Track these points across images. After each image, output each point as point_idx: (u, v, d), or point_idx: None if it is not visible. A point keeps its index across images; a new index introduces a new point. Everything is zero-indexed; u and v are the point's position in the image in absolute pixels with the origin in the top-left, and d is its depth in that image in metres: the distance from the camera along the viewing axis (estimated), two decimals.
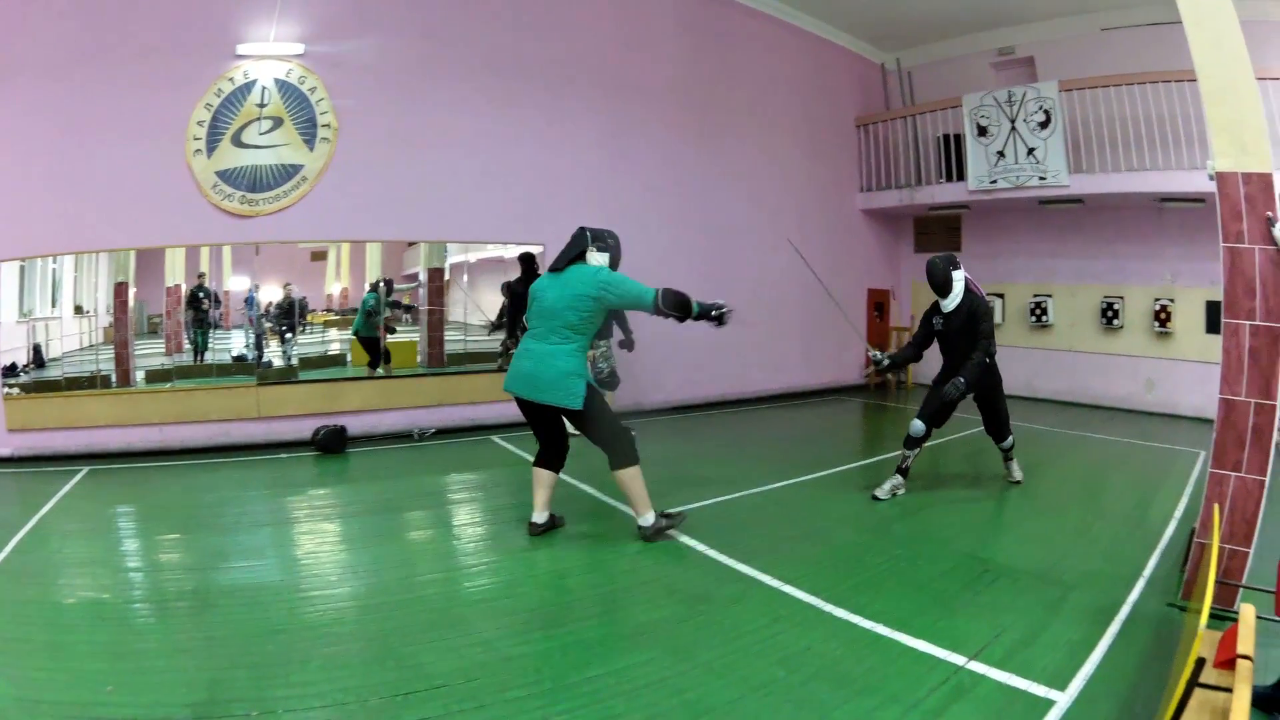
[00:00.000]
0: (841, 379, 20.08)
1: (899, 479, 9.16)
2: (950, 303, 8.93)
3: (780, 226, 17.58)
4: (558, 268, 7.27)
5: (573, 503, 8.48)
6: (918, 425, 8.97)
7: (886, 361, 9.29)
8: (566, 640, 5.26)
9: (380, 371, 12.79)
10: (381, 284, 12.73)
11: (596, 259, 7.25)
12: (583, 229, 7.37)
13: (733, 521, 8.07)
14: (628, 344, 12.57)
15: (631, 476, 7.23)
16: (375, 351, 12.91)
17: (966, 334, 8.81)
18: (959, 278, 8.89)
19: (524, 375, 7.09)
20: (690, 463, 10.51)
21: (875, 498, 8.97)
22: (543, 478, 7.45)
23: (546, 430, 7.45)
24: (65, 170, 10.25)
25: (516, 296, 12.87)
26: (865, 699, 4.50)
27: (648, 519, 7.32)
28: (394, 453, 11.55)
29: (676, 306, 6.94)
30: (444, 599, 6.00)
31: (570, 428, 7.37)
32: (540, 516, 7.43)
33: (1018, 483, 9.77)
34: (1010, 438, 9.58)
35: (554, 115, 13.99)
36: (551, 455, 7.49)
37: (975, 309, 8.82)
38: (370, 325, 12.77)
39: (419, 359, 13.23)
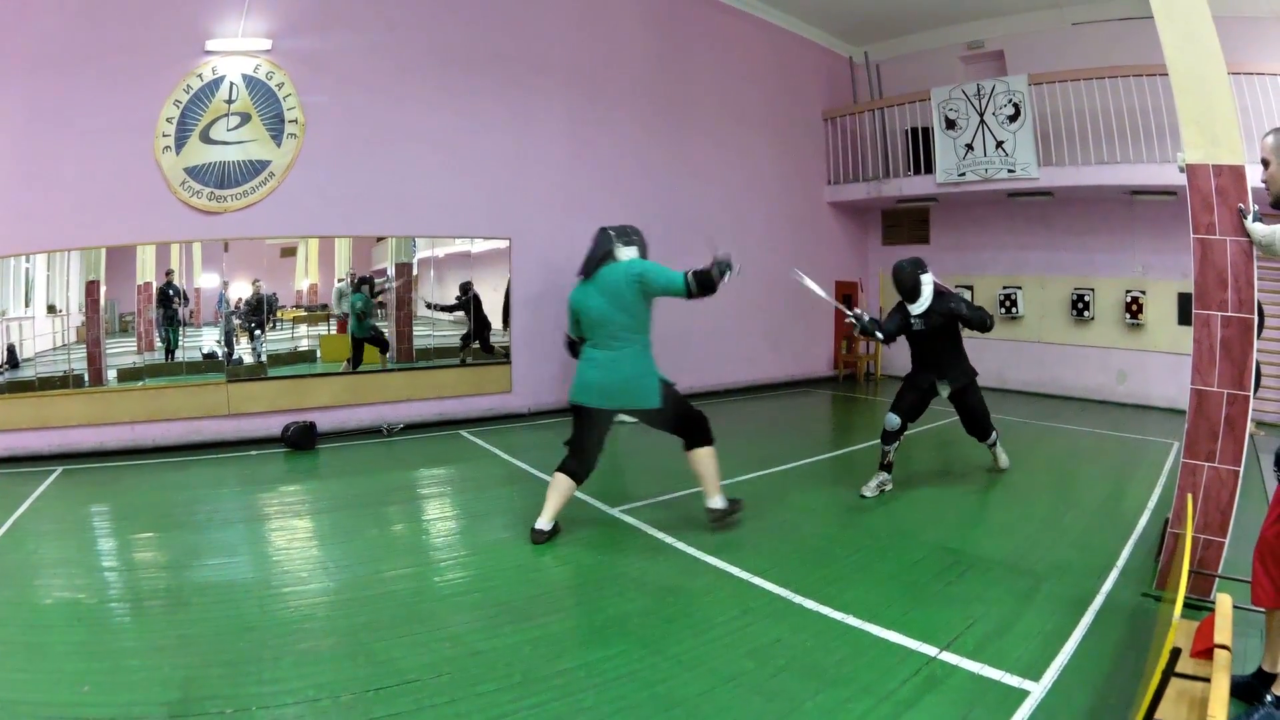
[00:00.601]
0: (811, 371, 20.20)
1: (884, 475, 9.07)
2: (919, 307, 8.84)
3: (748, 219, 17.78)
4: (587, 274, 7.13)
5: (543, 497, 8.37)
6: (892, 419, 8.93)
7: (867, 319, 9.00)
8: (536, 634, 5.26)
9: (376, 365, 12.86)
10: (364, 285, 12.72)
11: (625, 254, 7.12)
12: (603, 229, 7.25)
13: (702, 514, 7.96)
14: None
15: (708, 455, 7.28)
16: (382, 343, 12.97)
17: (950, 331, 8.86)
18: (927, 281, 8.81)
19: (594, 385, 7.01)
20: (658, 455, 10.47)
21: (863, 496, 8.88)
22: (563, 485, 7.21)
23: (592, 439, 7.25)
24: (35, 169, 10.15)
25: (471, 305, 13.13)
26: (836, 690, 4.51)
27: (718, 501, 7.33)
28: (364, 448, 11.52)
29: (705, 284, 6.69)
30: (413, 594, 6.00)
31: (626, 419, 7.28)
32: (546, 524, 7.18)
33: (1002, 470, 9.85)
34: (993, 434, 9.56)
35: (520, 109, 13.98)
36: (580, 466, 7.26)
37: (955, 310, 8.76)
38: (364, 326, 12.76)
39: (388, 354, 13.15)
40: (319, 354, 12.61)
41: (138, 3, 10.58)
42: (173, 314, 11.29)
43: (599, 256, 7.10)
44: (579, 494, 8.41)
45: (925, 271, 8.83)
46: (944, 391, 9.15)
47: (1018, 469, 9.83)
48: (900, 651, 5.01)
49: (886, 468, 9.10)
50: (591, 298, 7.02)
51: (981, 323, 8.72)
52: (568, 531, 7.34)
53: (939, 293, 8.84)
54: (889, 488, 9.06)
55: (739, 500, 7.57)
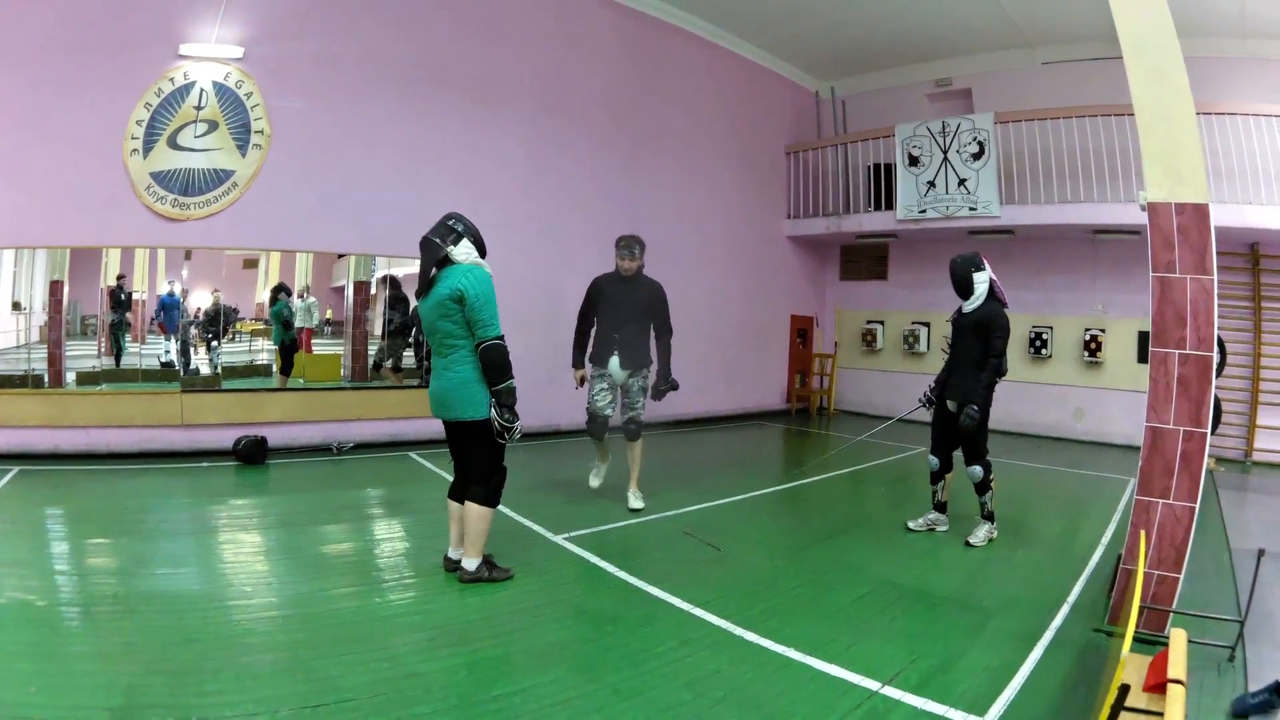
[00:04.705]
0: (763, 404, 20.30)
1: (934, 514, 9.01)
2: (971, 304, 8.50)
3: (710, 246, 17.92)
4: (422, 292, 6.71)
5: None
6: (932, 460, 8.85)
7: (931, 396, 9.02)
8: (474, 658, 5.27)
9: (301, 381, 12.84)
10: (281, 293, 12.65)
11: (460, 252, 6.63)
12: (425, 238, 6.64)
13: (644, 543, 8.15)
14: (657, 391, 9.61)
15: (484, 517, 6.74)
16: (289, 358, 12.85)
17: (975, 343, 8.39)
18: (981, 279, 8.42)
19: (432, 395, 6.81)
20: (604, 483, 10.45)
21: (908, 528, 8.97)
22: (455, 511, 7.03)
23: (462, 455, 7.00)
24: (4, 165, 10.21)
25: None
26: None
27: (474, 563, 6.82)
28: (313, 465, 11.54)
29: (494, 366, 6.45)
30: (354, 613, 5.99)
31: None
32: (456, 552, 7.02)
33: (970, 545, 8.54)
34: (983, 471, 8.53)
35: (483, 128, 14.06)
36: (465, 486, 6.94)
37: (986, 318, 8.33)
38: (290, 334, 12.75)
39: (342, 373, 13.19)
40: (275, 368, 12.61)
41: (116, 1, 10.67)
42: (122, 319, 11.24)
43: (431, 267, 6.62)
44: (522, 519, 8.57)
45: (980, 269, 8.40)
46: (951, 407, 8.66)
47: (967, 505, 9.39)
48: (841, 686, 5.01)
49: (938, 507, 9.01)
50: (424, 305, 6.67)
51: (998, 355, 8.31)
52: (509, 557, 7.26)
53: (994, 296, 8.47)
54: (940, 527, 8.96)
55: (509, 570, 7.02)
